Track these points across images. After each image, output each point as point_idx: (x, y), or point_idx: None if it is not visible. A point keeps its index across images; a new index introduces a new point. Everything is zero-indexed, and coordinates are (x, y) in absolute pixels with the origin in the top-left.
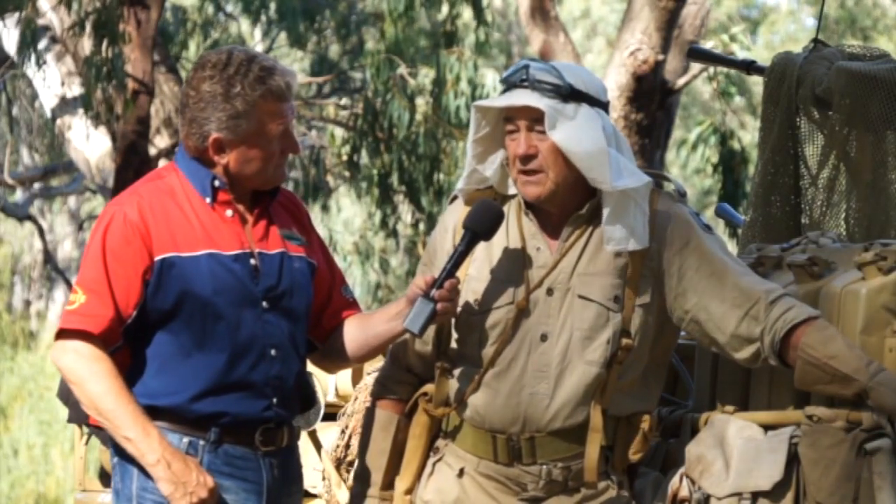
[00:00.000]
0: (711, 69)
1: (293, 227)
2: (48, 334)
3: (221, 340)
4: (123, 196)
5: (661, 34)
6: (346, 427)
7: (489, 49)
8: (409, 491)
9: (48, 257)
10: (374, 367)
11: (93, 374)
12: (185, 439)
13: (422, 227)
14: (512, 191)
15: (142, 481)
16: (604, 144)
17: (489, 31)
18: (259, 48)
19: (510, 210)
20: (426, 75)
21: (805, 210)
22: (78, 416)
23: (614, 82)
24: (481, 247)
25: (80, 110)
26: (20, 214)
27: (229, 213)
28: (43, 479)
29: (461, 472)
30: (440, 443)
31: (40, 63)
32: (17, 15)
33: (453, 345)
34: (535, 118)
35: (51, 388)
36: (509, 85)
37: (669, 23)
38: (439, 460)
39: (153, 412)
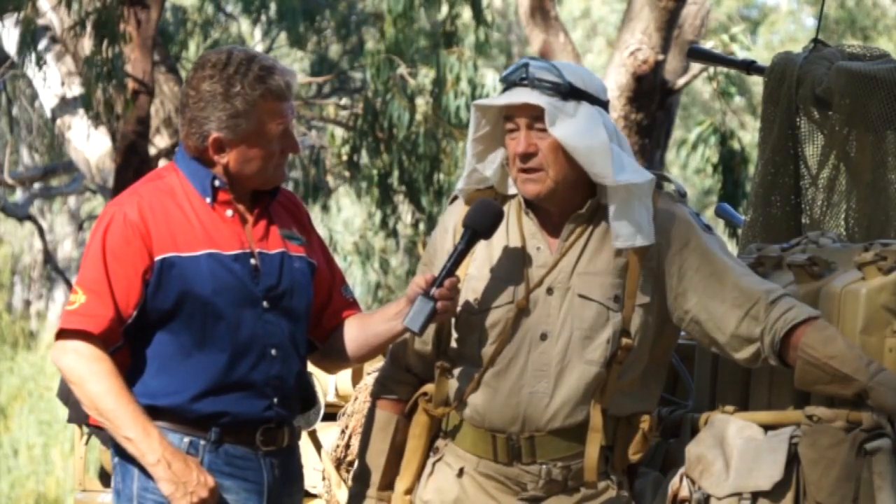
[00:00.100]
0: (711, 69)
1: (293, 226)
2: (48, 334)
3: (222, 340)
4: (123, 196)
5: (661, 34)
6: (346, 427)
7: (489, 49)
8: (409, 491)
9: (48, 257)
10: (374, 367)
11: (93, 374)
12: (186, 439)
13: (422, 227)
14: (512, 190)
15: (142, 481)
16: (605, 139)
17: (489, 32)
18: (259, 48)
19: (510, 210)
20: (426, 75)
21: (805, 210)
22: (78, 416)
23: (614, 82)
24: (481, 246)
25: (80, 110)
26: (20, 214)
27: (229, 212)
28: (43, 479)
29: (461, 472)
30: (440, 443)
31: (41, 63)
32: (16, 15)
33: (453, 344)
34: (535, 116)
35: (51, 388)
36: (509, 84)
37: (669, 23)
38: (439, 460)
39: (154, 412)
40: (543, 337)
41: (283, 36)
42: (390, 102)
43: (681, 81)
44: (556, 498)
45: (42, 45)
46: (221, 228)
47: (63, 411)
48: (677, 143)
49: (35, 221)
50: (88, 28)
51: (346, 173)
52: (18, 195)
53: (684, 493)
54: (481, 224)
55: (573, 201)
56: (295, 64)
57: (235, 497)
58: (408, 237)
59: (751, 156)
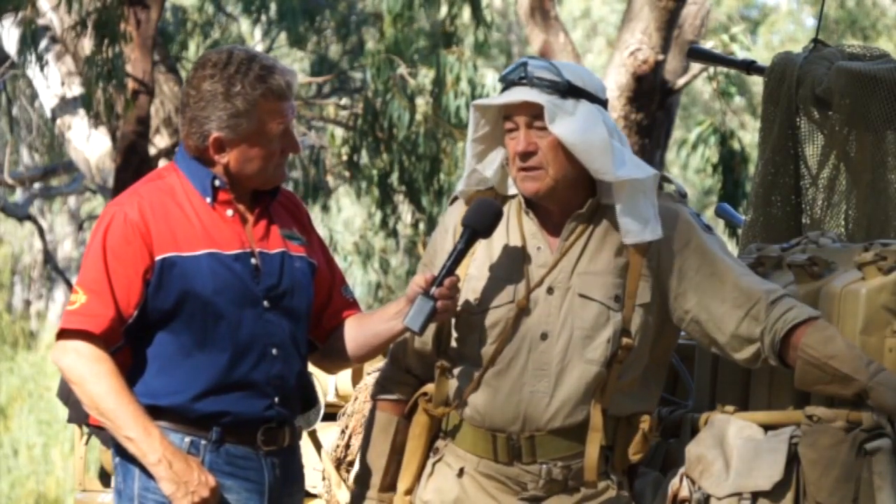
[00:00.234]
0: (711, 69)
1: (293, 226)
2: (48, 334)
3: (222, 340)
4: (124, 196)
5: (661, 34)
6: (346, 427)
7: (488, 49)
8: (409, 491)
9: (48, 257)
10: (374, 367)
11: (94, 374)
12: (187, 439)
13: (422, 227)
14: (512, 191)
15: (143, 481)
16: (605, 135)
17: (488, 32)
18: (259, 48)
19: (510, 210)
20: (426, 75)
21: (805, 210)
22: (78, 416)
23: (614, 82)
24: (481, 246)
25: (81, 110)
26: (20, 214)
27: (230, 212)
28: (43, 479)
29: (461, 472)
30: (440, 443)
31: (42, 63)
32: (16, 15)
33: (453, 344)
34: (534, 114)
35: (51, 388)
36: (508, 83)
37: (669, 23)
38: (439, 460)
39: (155, 412)
40: (544, 336)
41: (283, 36)
42: (390, 102)
43: (681, 81)
44: (557, 498)
45: (42, 45)
46: (222, 228)
47: (63, 411)
48: (677, 143)
49: (35, 221)
50: (88, 28)
51: (346, 173)
52: (18, 195)
53: (684, 493)
54: (480, 223)
55: (573, 200)
56: (295, 64)
57: (236, 497)
58: (408, 237)
59: (751, 156)
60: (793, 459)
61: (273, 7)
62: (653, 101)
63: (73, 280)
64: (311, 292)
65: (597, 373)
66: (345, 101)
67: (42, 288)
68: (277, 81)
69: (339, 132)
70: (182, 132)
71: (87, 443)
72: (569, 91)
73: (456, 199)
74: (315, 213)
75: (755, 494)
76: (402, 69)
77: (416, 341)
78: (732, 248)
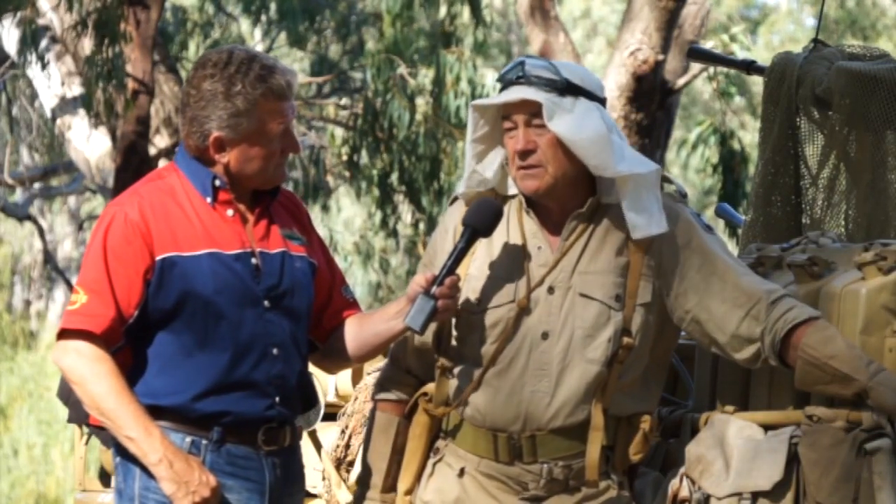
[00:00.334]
0: (711, 69)
1: (294, 226)
2: (48, 334)
3: (223, 340)
4: (124, 196)
5: (661, 34)
6: (346, 427)
7: (487, 49)
8: (409, 492)
9: (48, 257)
10: (374, 368)
11: (94, 373)
12: (188, 439)
13: (422, 227)
14: (512, 191)
15: (144, 481)
16: (604, 131)
17: (487, 32)
18: (259, 48)
19: (511, 209)
20: (426, 75)
21: (805, 210)
22: (78, 416)
23: (614, 82)
24: (482, 246)
25: (81, 110)
26: (20, 214)
27: (230, 212)
28: (43, 479)
29: (462, 472)
30: (440, 443)
31: (44, 63)
32: (16, 15)
33: (453, 344)
34: (532, 113)
35: (51, 388)
36: (506, 83)
37: (669, 23)
38: (439, 461)
39: (156, 412)
40: (545, 336)
41: (283, 36)
42: (390, 102)
43: (681, 81)
44: (558, 497)
45: (42, 45)
46: (222, 228)
47: (63, 411)
48: (677, 143)
49: (35, 221)
50: (88, 28)
51: (346, 173)
52: (18, 195)
53: (684, 493)
54: (481, 222)
55: (573, 199)
56: (295, 64)
57: (237, 497)
58: (408, 237)
59: (751, 156)
60: (793, 459)
61: (273, 7)
62: (653, 101)
63: (73, 280)
64: (312, 292)
65: (598, 372)
66: (345, 101)
67: (42, 288)
68: (278, 81)
69: (339, 132)
70: (182, 132)
71: (87, 443)
72: (567, 89)
73: (456, 199)
74: (315, 213)
75: (755, 494)
76: (402, 69)
77: (417, 341)
78: (732, 248)
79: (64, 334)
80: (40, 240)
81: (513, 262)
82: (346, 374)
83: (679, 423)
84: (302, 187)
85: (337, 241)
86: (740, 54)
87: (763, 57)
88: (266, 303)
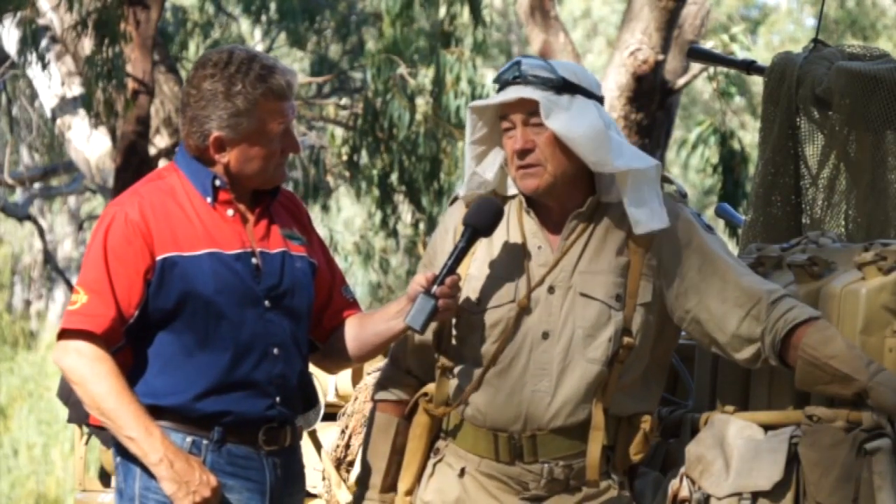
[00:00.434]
0: (711, 69)
1: (294, 226)
2: (48, 334)
3: (224, 339)
4: (124, 196)
5: (661, 34)
6: (346, 427)
7: (487, 49)
8: (410, 492)
9: (48, 257)
10: (374, 367)
11: (95, 374)
12: (189, 439)
13: (422, 227)
14: (512, 191)
15: (144, 481)
16: (602, 127)
17: (486, 32)
18: (259, 48)
19: (511, 209)
20: (426, 75)
21: (805, 210)
22: (78, 416)
23: (614, 82)
24: (482, 246)
25: (81, 110)
26: (20, 214)
27: (230, 212)
28: (43, 479)
29: (462, 472)
30: (440, 443)
31: (44, 63)
32: (16, 15)
33: (454, 343)
34: (530, 111)
35: (51, 388)
36: (503, 83)
37: (669, 23)
38: (440, 461)
39: (156, 412)
40: (545, 336)
41: (283, 36)
42: (390, 102)
43: (681, 81)
44: (558, 497)
45: (42, 45)
46: (222, 228)
47: (63, 411)
48: (677, 143)
49: (35, 221)
50: (88, 28)
51: (346, 173)
52: (18, 195)
53: (684, 493)
54: (482, 222)
55: (573, 198)
56: (295, 64)
57: (238, 497)
58: (408, 237)
59: (751, 156)
60: (793, 459)
61: (273, 7)
62: (653, 101)
63: (73, 280)
64: (312, 292)
65: (598, 372)
66: (345, 101)
67: (42, 288)
68: (278, 81)
69: (339, 132)
70: (182, 132)
71: (87, 443)
72: (564, 87)
73: (456, 199)
74: (315, 213)
75: (755, 494)
76: (402, 69)
77: (417, 342)
78: (732, 248)
79: (64, 334)
80: (40, 240)
81: (513, 262)
82: (346, 374)
83: (679, 423)
84: (302, 187)
85: (337, 241)
86: (740, 54)
87: (763, 57)
88: (266, 303)
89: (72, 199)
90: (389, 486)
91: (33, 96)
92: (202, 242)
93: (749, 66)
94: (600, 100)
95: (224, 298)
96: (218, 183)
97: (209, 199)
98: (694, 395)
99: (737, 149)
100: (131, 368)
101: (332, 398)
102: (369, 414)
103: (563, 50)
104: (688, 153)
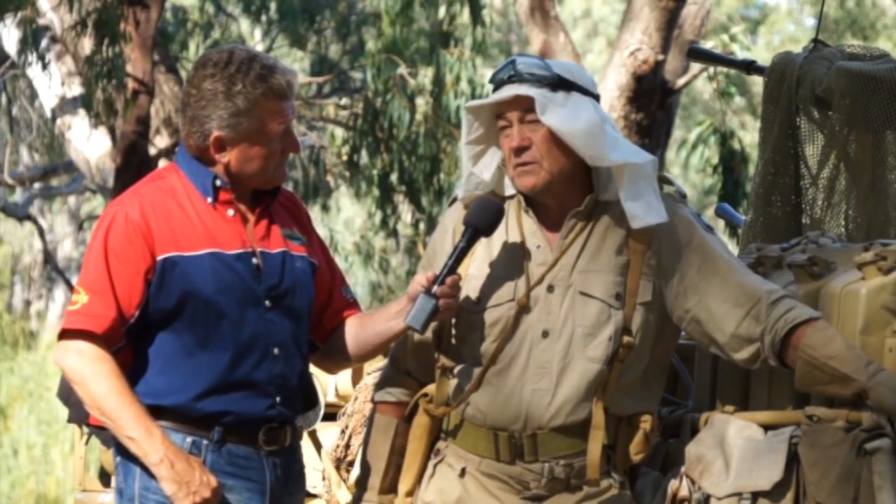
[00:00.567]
0: (711, 69)
1: (294, 226)
2: (48, 334)
3: (224, 339)
4: (125, 196)
5: (661, 34)
6: (346, 427)
7: (486, 49)
8: (410, 493)
9: (48, 257)
10: (374, 367)
11: (95, 374)
12: (189, 439)
13: (422, 227)
14: (510, 191)
15: (144, 481)
16: (598, 122)
17: (486, 32)
18: (259, 48)
19: (510, 209)
20: (426, 75)
21: (805, 210)
22: (78, 416)
23: (614, 82)
24: (481, 246)
25: (81, 110)
26: (20, 214)
27: (231, 212)
28: (43, 479)
29: (463, 472)
30: (441, 444)
31: (44, 63)
32: (16, 15)
33: (454, 343)
34: (526, 109)
35: (51, 388)
36: (498, 83)
37: (669, 23)
38: (440, 461)
39: (156, 411)
40: (545, 334)
41: (283, 36)
42: (390, 102)
43: (681, 81)
44: (559, 496)
45: (42, 44)
46: (223, 228)
47: (63, 411)
48: (677, 143)
49: (35, 221)
50: (88, 28)
51: (346, 173)
52: (18, 195)
53: (684, 492)
54: (482, 222)
55: (571, 197)
56: (295, 64)
57: (238, 497)
58: (408, 237)
59: (751, 156)
60: (793, 459)
61: (273, 7)
62: (653, 101)
63: (74, 280)
64: (313, 292)
65: (598, 370)
66: (345, 101)
67: (42, 288)
68: (278, 81)
69: (339, 132)
70: (183, 131)
71: (87, 443)
72: (559, 84)
73: (455, 199)
74: (315, 213)
75: (755, 494)
76: (402, 69)
77: (416, 343)
78: (732, 248)
79: (65, 334)
80: (40, 240)
81: (512, 261)
82: (346, 374)
83: (679, 423)
84: (302, 187)
85: (337, 241)
86: (740, 54)
87: (763, 57)
88: (267, 302)
89: (72, 199)
90: (389, 487)
91: (33, 96)
92: (203, 242)
93: (749, 66)
94: (596, 98)
95: (224, 298)
96: (218, 183)
97: (209, 199)
98: (694, 395)
99: (737, 149)
100: (132, 368)
101: (332, 398)
102: (369, 415)
103: (563, 50)
104: (688, 153)
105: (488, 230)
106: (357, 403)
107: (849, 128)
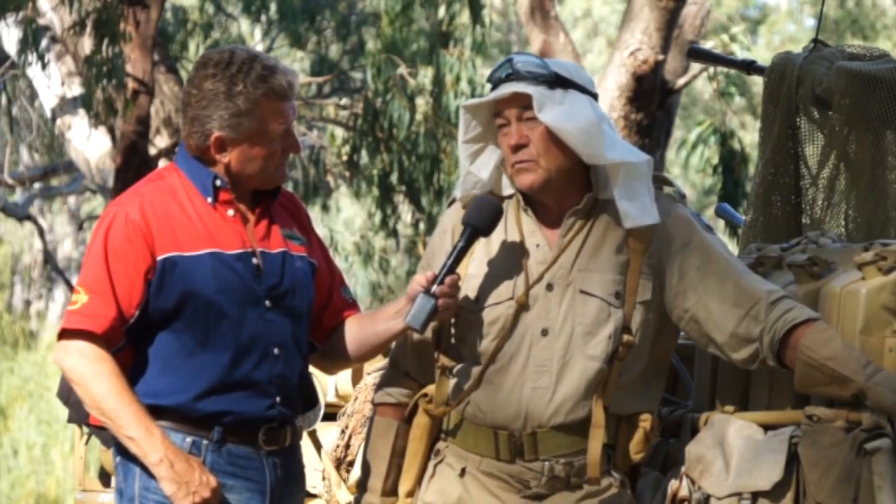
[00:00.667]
0: (711, 69)
1: (294, 227)
2: (48, 334)
3: (224, 339)
4: (125, 196)
5: (661, 34)
6: (346, 427)
7: (486, 49)
8: (411, 493)
9: (48, 257)
10: (374, 368)
11: (95, 373)
12: (189, 439)
13: (422, 227)
14: (509, 191)
15: (144, 481)
16: (595, 120)
17: (486, 32)
18: (259, 48)
19: (509, 208)
20: (426, 75)
21: (805, 210)
22: (78, 416)
23: (614, 82)
24: (481, 245)
25: (81, 110)
26: (20, 214)
27: (231, 212)
28: (43, 479)
29: (463, 472)
30: (441, 444)
31: (44, 63)
32: (17, 15)
33: (453, 342)
34: (524, 106)
35: (51, 388)
36: (496, 82)
37: (669, 23)
38: (440, 462)
39: (156, 411)
40: (544, 333)
41: (283, 36)
42: (390, 102)
43: (681, 81)
44: (559, 495)
45: (42, 44)
46: (223, 228)
47: (63, 411)
48: (677, 143)
49: (35, 221)
50: (88, 28)
51: (346, 173)
52: (18, 195)
53: (684, 492)
54: (481, 221)
55: (570, 195)
56: (295, 64)
57: (238, 497)
58: (408, 237)
59: (751, 156)
60: (793, 459)
61: (273, 7)
62: (653, 101)
63: (74, 280)
64: (312, 292)
65: (598, 369)
66: (345, 101)
67: (42, 288)
68: (279, 81)
69: (339, 132)
70: (183, 131)
71: (87, 443)
72: (556, 82)
73: (454, 200)
74: (315, 213)
75: (755, 494)
76: (402, 69)
77: (416, 343)
78: (732, 248)
79: (65, 334)
80: (40, 240)
81: (511, 260)
82: (346, 374)
83: (679, 423)
84: (302, 187)
85: (337, 241)
86: (740, 54)
87: (763, 57)
88: (267, 302)
89: (72, 199)
90: (390, 489)
91: (33, 96)
92: (203, 242)
93: (749, 66)
94: (594, 96)
95: (225, 298)
96: (218, 183)
97: (210, 199)
98: (694, 395)
99: (737, 149)
100: (132, 368)
101: (332, 398)
102: (369, 417)
103: (563, 50)
104: (688, 153)
105: (487, 230)
106: (357, 403)
107: (849, 128)
